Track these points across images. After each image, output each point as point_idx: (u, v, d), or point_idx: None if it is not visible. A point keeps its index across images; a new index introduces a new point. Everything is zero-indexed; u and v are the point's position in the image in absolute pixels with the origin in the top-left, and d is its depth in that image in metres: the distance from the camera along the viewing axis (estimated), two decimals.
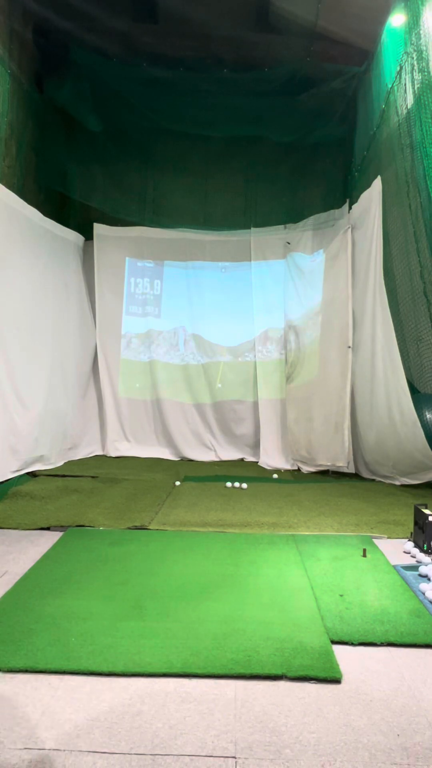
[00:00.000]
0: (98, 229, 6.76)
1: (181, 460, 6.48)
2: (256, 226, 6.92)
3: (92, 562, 2.72)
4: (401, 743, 1.42)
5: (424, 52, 3.74)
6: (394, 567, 2.69)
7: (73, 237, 6.42)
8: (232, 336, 6.94)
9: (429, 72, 3.68)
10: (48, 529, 3.34)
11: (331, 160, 6.59)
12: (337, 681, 1.70)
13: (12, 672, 1.71)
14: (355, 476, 5.44)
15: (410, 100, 4.02)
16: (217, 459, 6.53)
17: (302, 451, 6.00)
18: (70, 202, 6.66)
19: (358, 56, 5.48)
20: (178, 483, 4.82)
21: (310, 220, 6.61)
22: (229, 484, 4.71)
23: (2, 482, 4.38)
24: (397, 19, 4.48)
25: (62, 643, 1.88)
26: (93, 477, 4.90)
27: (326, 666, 1.76)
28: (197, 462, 6.38)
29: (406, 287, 4.46)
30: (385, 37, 4.83)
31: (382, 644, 1.94)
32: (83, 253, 6.70)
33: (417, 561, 2.82)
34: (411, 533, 3.18)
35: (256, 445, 6.57)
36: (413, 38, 3.93)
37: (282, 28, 5.53)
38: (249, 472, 5.78)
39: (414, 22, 3.93)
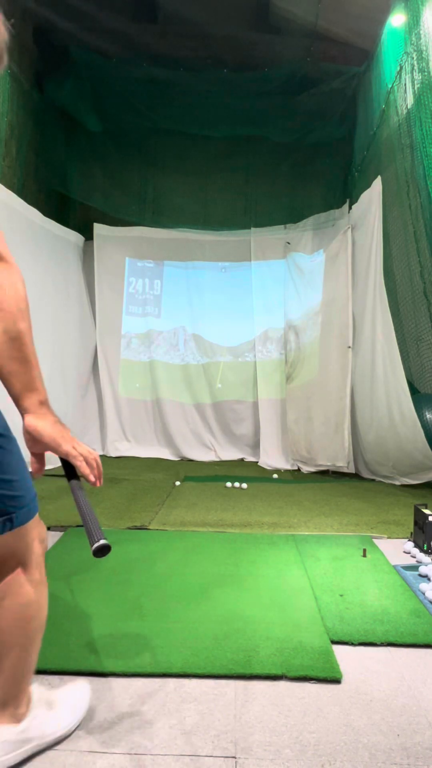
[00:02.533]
0: (98, 229, 6.76)
1: (181, 460, 6.48)
2: (256, 226, 6.92)
3: (92, 562, 2.72)
4: (401, 743, 1.42)
5: (424, 52, 3.74)
6: (394, 567, 2.69)
7: (73, 237, 6.42)
8: (232, 336, 6.94)
9: (429, 72, 3.68)
10: (48, 529, 3.34)
11: (331, 160, 6.59)
12: (337, 681, 1.70)
13: None
14: (355, 476, 5.44)
15: (410, 100, 4.02)
16: (217, 459, 6.53)
17: (302, 451, 6.00)
18: (70, 202, 6.67)
19: (358, 56, 5.49)
20: (178, 483, 4.82)
21: (310, 220, 6.61)
22: (229, 484, 4.71)
23: None
24: (397, 19, 4.49)
25: (62, 643, 1.88)
26: None
27: (326, 666, 1.76)
28: (197, 462, 6.38)
29: (406, 287, 4.47)
30: (385, 37, 4.83)
31: (382, 644, 1.94)
32: (83, 253, 6.70)
33: (417, 561, 2.82)
34: (411, 533, 3.18)
35: (256, 445, 6.57)
36: (413, 38, 3.93)
37: (282, 28, 5.54)
38: (249, 472, 5.78)
39: (414, 22, 3.93)
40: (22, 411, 1.02)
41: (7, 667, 1.20)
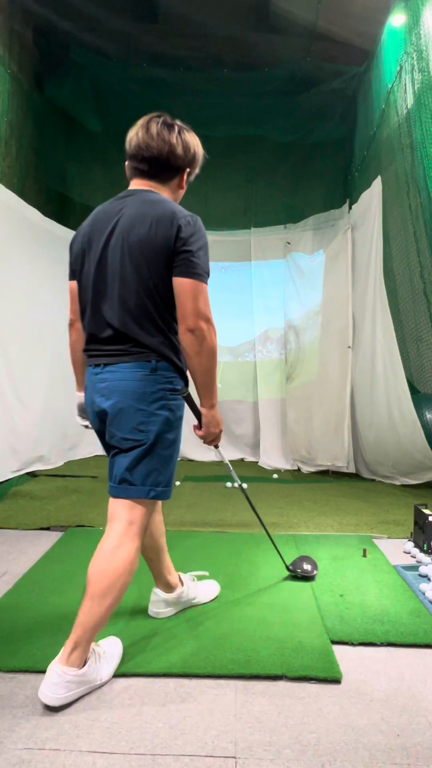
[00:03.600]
0: None
1: (181, 459, 6.48)
2: (256, 226, 6.92)
3: None
4: (401, 743, 1.42)
5: (424, 52, 3.74)
6: (394, 567, 2.70)
7: None
8: (232, 336, 6.94)
9: (429, 72, 3.68)
10: (48, 529, 3.34)
11: (331, 160, 6.58)
12: (337, 681, 1.70)
13: (12, 672, 1.71)
14: (355, 476, 5.44)
15: (410, 100, 4.02)
16: (217, 459, 6.52)
17: (302, 451, 6.00)
18: (70, 202, 6.65)
19: (358, 56, 5.47)
20: (178, 483, 4.82)
21: (310, 220, 6.61)
22: (229, 484, 4.71)
23: (2, 482, 4.38)
24: (397, 19, 4.48)
25: (62, 643, 1.86)
26: (93, 477, 4.90)
27: (326, 666, 1.76)
28: (197, 462, 6.38)
29: (406, 287, 4.46)
30: (385, 37, 4.83)
31: (382, 644, 1.94)
32: None
33: (417, 561, 2.82)
34: (411, 533, 3.18)
35: (256, 445, 6.56)
36: (413, 38, 3.92)
37: (282, 28, 5.53)
38: (249, 472, 5.78)
39: (414, 22, 3.93)
40: (202, 406, 1.79)
41: (95, 612, 1.52)
